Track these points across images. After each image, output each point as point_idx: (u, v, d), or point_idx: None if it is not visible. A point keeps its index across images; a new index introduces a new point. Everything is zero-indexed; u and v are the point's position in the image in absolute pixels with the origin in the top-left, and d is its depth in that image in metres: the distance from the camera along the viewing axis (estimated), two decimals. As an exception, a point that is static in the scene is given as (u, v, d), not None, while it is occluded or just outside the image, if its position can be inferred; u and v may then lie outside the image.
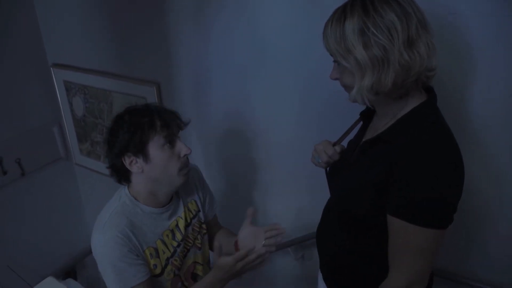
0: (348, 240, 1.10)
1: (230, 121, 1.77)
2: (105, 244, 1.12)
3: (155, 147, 1.13)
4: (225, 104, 1.75)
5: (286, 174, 1.74)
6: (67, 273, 2.59)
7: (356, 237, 1.07)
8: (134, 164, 1.14)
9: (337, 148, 1.16)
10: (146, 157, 1.13)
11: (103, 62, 2.07)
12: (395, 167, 0.90)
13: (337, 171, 1.17)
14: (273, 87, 1.58)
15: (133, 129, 1.11)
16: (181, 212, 1.29)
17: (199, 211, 1.38)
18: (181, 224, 1.28)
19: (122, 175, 1.19)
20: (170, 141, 1.15)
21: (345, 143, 1.21)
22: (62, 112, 2.41)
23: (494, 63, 1.16)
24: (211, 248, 1.45)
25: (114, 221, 1.14)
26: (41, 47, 2.29)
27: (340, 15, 0.91)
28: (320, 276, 1.35)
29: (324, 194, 1.36)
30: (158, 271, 1.21)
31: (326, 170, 1.24)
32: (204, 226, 1.40)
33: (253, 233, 1.21)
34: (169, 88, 1.89)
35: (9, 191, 2.33)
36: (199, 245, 1.36)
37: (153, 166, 1.14)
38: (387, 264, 0.99)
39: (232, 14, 1.54)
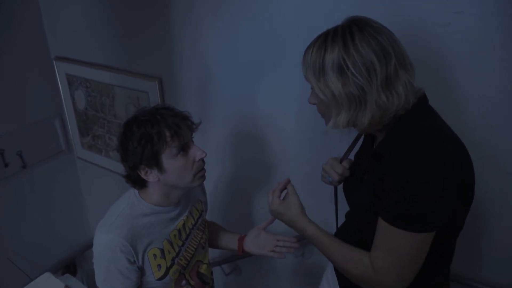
0: (363, 246, 1.09)
1: (233, 118, 1.77)
2: (106, 244, 1.12)
3: (168, 158, 1.11)
4: (228, 100, 1.74)
5: (287, 174, 1.72)
6: (67, 267, 2.60)
7: (369, 243, 1.06)
8: (149, 175, 1.13)
9: (346, 164, 1.15)
10: (160, 168, 1.11)
11: (105, 56, 2.07)
12: (385, 177, 0.89)
13: (350, 185, 1.15)
14: (277, 84, 1.57)
15: (143, 143, 1.08)
16: (188, 212, 1.29)
17: (203, 210, 1.39)
18: (188, 224, 1.28)
19: (138, 183, 1.18)
20: (183, 148, 1.13)
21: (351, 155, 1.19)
22: (64, 105, 2.41)
23: (496, 62, 1.15)
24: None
25: (119, 224, 1.13)
26: (44, 40, 2.28)
27: (321, 44, 0.90)
28: (325, 275, 1.35)
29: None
30: (161, 272, 1.21)
31: (335, 187, 1.24)
32: (205, 225, 1.40)
33: (264, 238, 1.34)
34: (171, 83, 1.88)
35: (10, 184, 2.34)
36: (204, 244, 1.37)
37: (169, 174, 1.13)
38: None
39: (236, 9, 1.53)
